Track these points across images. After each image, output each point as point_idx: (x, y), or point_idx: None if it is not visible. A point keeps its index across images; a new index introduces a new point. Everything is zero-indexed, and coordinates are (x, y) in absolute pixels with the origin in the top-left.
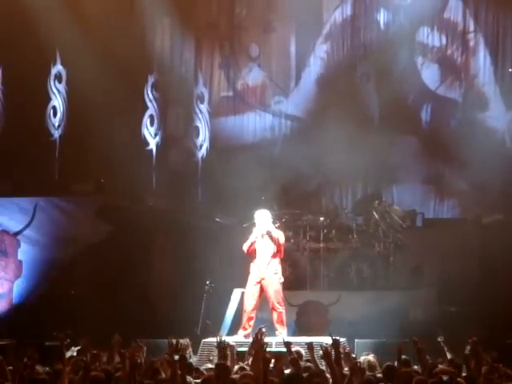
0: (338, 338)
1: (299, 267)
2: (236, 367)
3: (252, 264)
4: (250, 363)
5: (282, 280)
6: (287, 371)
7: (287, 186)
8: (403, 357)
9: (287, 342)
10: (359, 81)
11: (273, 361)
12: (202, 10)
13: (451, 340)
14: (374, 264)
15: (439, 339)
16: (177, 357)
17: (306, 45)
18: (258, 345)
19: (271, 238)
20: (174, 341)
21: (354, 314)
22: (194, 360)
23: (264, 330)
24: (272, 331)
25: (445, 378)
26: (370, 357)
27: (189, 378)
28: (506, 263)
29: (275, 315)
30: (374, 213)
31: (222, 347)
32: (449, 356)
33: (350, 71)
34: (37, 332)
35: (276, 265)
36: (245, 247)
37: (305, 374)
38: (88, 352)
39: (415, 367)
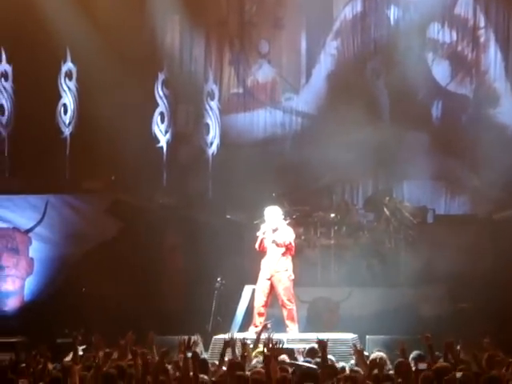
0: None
1: (310, 264)
2: (253, 363)
3: (263, 260)
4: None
5: (293, 277)
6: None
7: (298, 183)
8: (416, 352)
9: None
10: (370, 77)
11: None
12: (212, 7)
13: (462, 336)
14: (384, 260)
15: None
16: (189, 354)
17: (316, 41)
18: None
19: (277, 244)
20: (186, 338)
21: (365, 310)
22: (205, 357)
23: (269, 325)
24: (282, 327)
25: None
26: (382, 353)
27: (201, 376)
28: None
29: (285, 312)
30: (385, 209)
31: (243, 343)
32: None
33: (360, 68)
34: (48, 329)
35: (286, 262)
36: (256, 245)
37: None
38: (100, 349)
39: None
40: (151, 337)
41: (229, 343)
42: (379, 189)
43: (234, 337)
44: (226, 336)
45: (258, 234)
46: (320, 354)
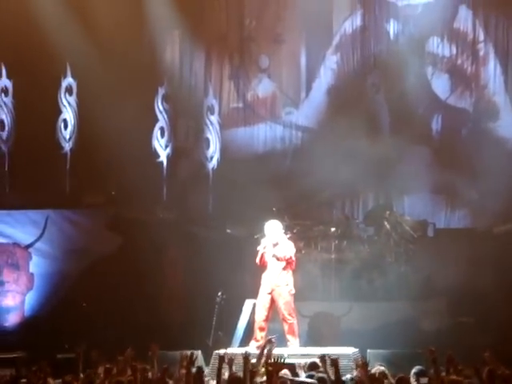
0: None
1: (311, 278)
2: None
3: (263, 275)
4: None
5: (293, 291)
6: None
7: (298, 197)
8: (418, 367)
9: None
10: (369, 91)
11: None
12: (212, 22)
13: (463, 350)
14: (385, 274)
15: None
16: (194, 369)
17: (316, 56)
18: (267, 357)
19: (278, 259)
20: (189, 353)
21: (366, 325)
22: (205, 371)
23: (274, 340)
24: (283, 342)
25: None
26: (382, 368)
27: None
28: None
29: (286, 326)
30: (386, 223)
31: (246, 357)
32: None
33: (360, 82)
34: (49, 345)
35: (287, 276)
36: (257, 260)
37: None
38: (100, 365)
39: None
40: (154, 349)
41: (223, 358)
42: (379, 203)
43: (230, 352)
44: (221, 351)
45: (258, 248)
46: (322, 369)
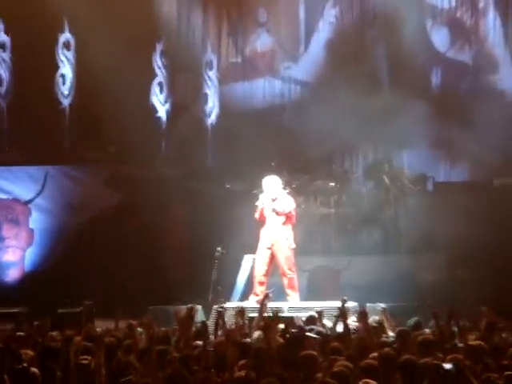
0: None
1: (310, 232)
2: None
3: (262, 230)
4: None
5: (294, 246)
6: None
7: (297, 152)
8: (415, 319)
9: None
10: (369, 45)
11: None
12: None
13: (462, 303)
14: (384, 228)
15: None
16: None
17: (314, 9)
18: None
19: (277, 213)
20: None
21: (365, 279)
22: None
23: (271, 295)
24: (283, 296)
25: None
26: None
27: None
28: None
29: (286, 281)
30: (385, 177)
31: (240, 312)
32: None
33: (359, 35)
34: (50, 299)
35: (287, 231)
36: (256, 215)
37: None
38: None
39: (426, 330)
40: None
41: (222, 314)
42: (379, 157)
43: (225, 306)
44: (219, 306)
45: (257, 203)
46: (319, 323)
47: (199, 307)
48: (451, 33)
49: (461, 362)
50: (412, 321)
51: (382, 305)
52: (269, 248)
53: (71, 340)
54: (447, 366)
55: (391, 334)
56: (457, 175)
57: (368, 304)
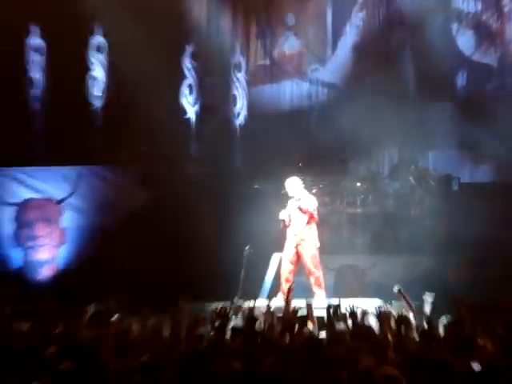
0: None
1: (337, 232)
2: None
3: (288, 229)
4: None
5: (318, 245)
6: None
7: (324, 153)
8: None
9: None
10: (395, 48)
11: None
12: None
13: (485, 302)
14: (410, 228)
15: (395, 289)
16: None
17: (342, 13)
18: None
19: (301, 210)
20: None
21: (390, 278)
22: (234, 322)
23: (292, 287)
24: (310, 294)
25: None
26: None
27: None
28: None
29: (312, 279)
30: (411, 178)
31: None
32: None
33: (385, 39)
34: (81, 296)
35: (311, 230)
36: (286, 219)
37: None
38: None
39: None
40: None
41: (252, 310)
42: (405, 158)
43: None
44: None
45: (281, 217)
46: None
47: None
48: (477, 36)
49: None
50: (445, 318)
51: (379, 301)
52: (295, 247)
53: (102, 335)
54: (476, 366)
55: (411, 315)
56: (482, 176)
57: (393, 301)
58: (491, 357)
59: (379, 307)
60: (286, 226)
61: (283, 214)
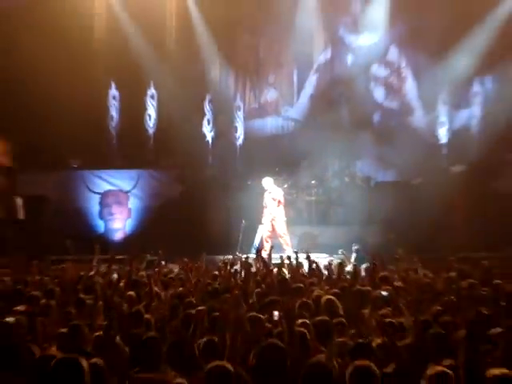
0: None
1: (299, 211)
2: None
3: (265, 210)
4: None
5: (285, 219)
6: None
7: (292, 162)
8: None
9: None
10: (336, 97)
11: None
12: (239, 55)
13: (387, 254)
14: (345, 209)
15: (340, 252)
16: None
17: (303, 75)
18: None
19: (273, 199)
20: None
21: (333, 240)
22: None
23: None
24: (281, 250)
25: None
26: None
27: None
28: (425, 206)
29: (282, 240)
30: (346, 178)
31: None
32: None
33: (330, 91)
34: (141, 251)
35: (280, 210)
36: (264, 204)
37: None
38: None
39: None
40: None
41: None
42: (342, 165)
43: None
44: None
45: (264, 202)
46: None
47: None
48: (385, 91)
49: (391, 291)
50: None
51: (341, 250)
52: (270, 221)
53: (153, 275)
54: (384, 293)
55: (349, 267)
56: (389, 177)
57: (334, 255)
58: (392, 286)
59: (331, 259)
60: (264, 207)
61: (265, 202)
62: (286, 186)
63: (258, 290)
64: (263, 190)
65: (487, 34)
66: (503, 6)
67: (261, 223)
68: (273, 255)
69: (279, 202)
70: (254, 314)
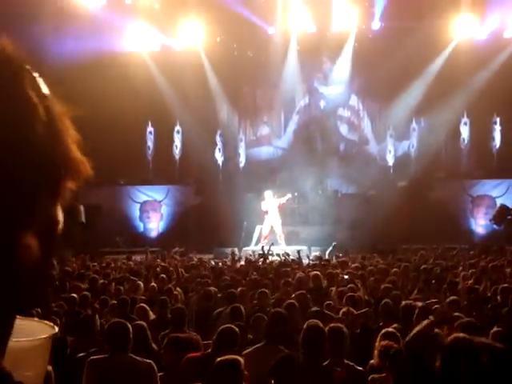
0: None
1: (286, 215)
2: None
3: (266, 216)
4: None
5: (280, 221)
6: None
7: (282, 181)
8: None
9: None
10: (312, 132)
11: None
12: (242, 101)
13: (346, 246)
14: (320, 213)
15: (333, 244)
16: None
17: (288, 116)
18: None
19: (277, 205)
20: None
21: (311, 236)
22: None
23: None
24: (276, 244)
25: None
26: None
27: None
28: (378, 211)
29: (278, 236)
30: (319, 191)
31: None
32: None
33: (307, 128)
34: (171, 246)
35: (278, 214)
36: (264, 209)
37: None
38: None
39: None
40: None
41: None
42: (316, 182)
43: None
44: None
45: (263, 209)
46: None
47: (236, 249)
48: (348, 127)
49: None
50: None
51: (304, 247)
52: (269, 221)
53: (178, 262)
54: (345, 276)
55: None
56: (351, 190)
57: (312, 247)
58: (353, 269)
59: (318, 253)
60: (265, 212)
61: (264, 206)
62: (289, 195)
63: (255, 273)
64: (261, 200)
65: (423, 86)
66: (435, 64)
67: (258, 224)
68: (270, 251)
69: (279, 207)
70: (263, 289)
